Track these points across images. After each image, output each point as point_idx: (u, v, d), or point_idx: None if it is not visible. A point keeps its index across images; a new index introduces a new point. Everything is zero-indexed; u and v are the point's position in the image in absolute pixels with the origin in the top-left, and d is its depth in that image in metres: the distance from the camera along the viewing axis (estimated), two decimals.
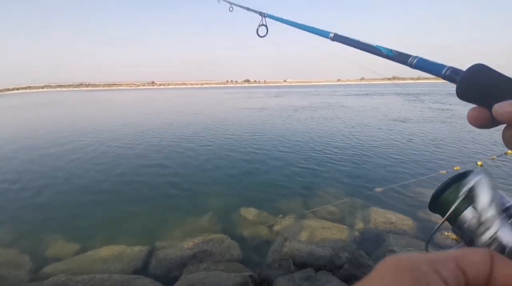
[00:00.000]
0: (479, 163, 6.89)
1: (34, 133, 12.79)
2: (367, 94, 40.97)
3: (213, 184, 6.11)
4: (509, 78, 0.27)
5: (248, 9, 1.35)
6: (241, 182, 6.20)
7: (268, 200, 5.26)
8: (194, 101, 34.01)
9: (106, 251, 3.69)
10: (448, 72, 0.35)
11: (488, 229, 0.29)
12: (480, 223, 0.30)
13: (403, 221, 4.28)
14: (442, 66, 0.36)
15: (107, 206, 5.20)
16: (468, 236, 0.31)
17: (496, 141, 9.50)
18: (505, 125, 0.27)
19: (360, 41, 0.54)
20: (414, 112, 17.86)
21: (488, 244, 0.29)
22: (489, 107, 0.27)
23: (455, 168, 6.53)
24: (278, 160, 7.66)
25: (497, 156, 7.58)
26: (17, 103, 41.49)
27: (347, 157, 7.78)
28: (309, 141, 9.78)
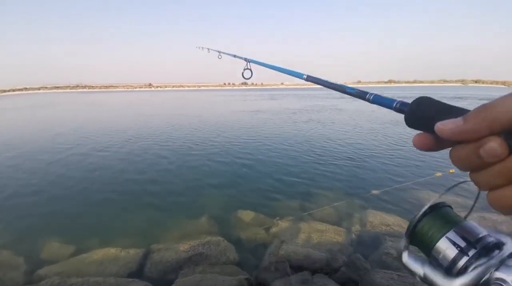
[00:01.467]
0: None
1: (28, 136, 12.68)
2: None
3: (210, 186, 6.10)
4: (449, 105, 0.30)
5: (234, 56, 1.47)
6: (238, 185, 6.19)
7: (265, 202, 5.26)
8: (191, 104, 33.95)
9: (101, 253, 3.66)
10: (398, 105, 0.39)
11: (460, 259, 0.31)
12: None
13: (400, 223, 4.29)
14: (393, 100, 0.40)
15: (102, 209, 5.16)
16: (443, 266, 0.32)
17: None
18: (451, 148, 0.29)
19: (329, 81, 0.61)
20: None
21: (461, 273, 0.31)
22: (432, 132, 0.29)
23: (450, 171, 6.57)
24: (275, 163, 7.66)
25: None
26: (12, 105, 41.11)
27: (343, 160, 7.81)
28: (306, 144, 9.81)
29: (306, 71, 0.77)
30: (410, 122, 0.33)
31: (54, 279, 3.04)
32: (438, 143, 0.30)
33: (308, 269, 3.10)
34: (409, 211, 4.79)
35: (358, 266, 3.18)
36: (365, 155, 8.27)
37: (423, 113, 0.32)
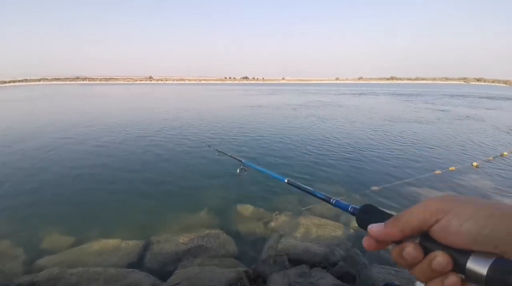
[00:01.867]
0: (475, 163, 6.96)
1: (28, 127, 12.67)
2: (365, 93, 41.11)
3: (209, 179, 6.11)
4: (386, 212, 0.39)
5: (231, 156, 1.66)
6: (237, 179, 6.20)
7: (264, 196, 5.27)
8: (191, 98, 33.80)
9: (101, 244, 3.68)
10: (351, 209, 0.50)
11: None
12: None
13: None
14: (348, 205, 0.53)
15: (102, 200, 5.18)
16: None
17: (491, 142, 9.59)
18: (393, 245, 0.35)
19: (304, 186, 0.75)
20: (410, 112, 17.96)
21: None
22: None
23: (450, 168, 6.59)
24: (274, 157, 7.67)
25: (493, 157, 7.65)
26: (13, 96, 40.93)
27: (343, 156, 7.81)
28: (305, 139, 9.80)
29: (287, 176, 0.92)
30: (359, 224, 0.43)
31: (53, 269, 3.06)
32: (380, 243, 0.37)
33: (306, 263, 3.13)
34: (408, 208, 4.81)
35: (356, 261, 3.21)
36: (365, 152, 8.27)
37: (366, 217, 0.41)
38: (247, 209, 4.72)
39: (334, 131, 11.40)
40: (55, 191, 5.57)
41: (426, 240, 0.32)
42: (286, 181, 0.91)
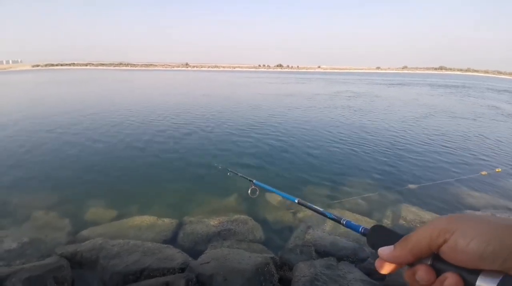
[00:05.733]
0: None
1: (77, 106, 13.69)
2: (408, 84, 38.43)
3: (239, 166, 6.22)
4: (394, 232, 0.40)
5: (242, 176, 1.69)
6: (268, 167, 6.26)
7: (295, 186, 5.27)
8: (228, 84, 34.11)
9: (140, 220, 3.97)
10: (362, 230, 0.51)
11: None
12: None
13: None
14: (359, 226, 0.53)
15: (143, 179, 5.56)
16: None
17: None
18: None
19: (314, 206, 0.77)
20: (456, 107, 16.54)
21: None
22: None
23: (497, 170, 6.03)
24: (307, 148, 7.57)
25: None
26: (64, 78, 44.38)
27: (380, 150, 7.48)
28: (342, 131, 9.51)
29: (297, 197, 0.92)
30: (370, 245, 0.44)
31: (97, 239, 3.36)
32: (392, 265, 0.37)
33: (333, 256, 3.11)
34: (448, 208, 4.52)
35: None
36: (404, 146, 7.84)
37: (376, 238, 0.42)
38: (275, 198, 4.75)
39: (371, 123, 10.91)
40: (99, 168, 6.06)
41: (437, 261, 0.32)
42: (296, 201, 0.90)
